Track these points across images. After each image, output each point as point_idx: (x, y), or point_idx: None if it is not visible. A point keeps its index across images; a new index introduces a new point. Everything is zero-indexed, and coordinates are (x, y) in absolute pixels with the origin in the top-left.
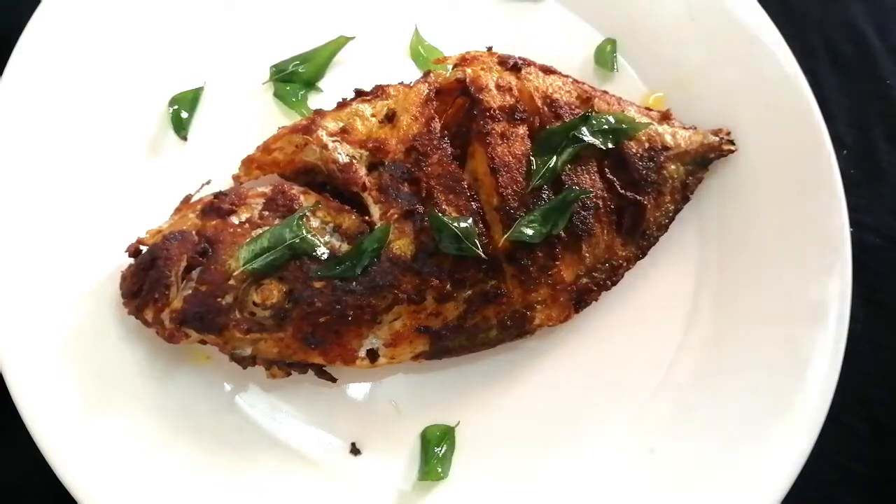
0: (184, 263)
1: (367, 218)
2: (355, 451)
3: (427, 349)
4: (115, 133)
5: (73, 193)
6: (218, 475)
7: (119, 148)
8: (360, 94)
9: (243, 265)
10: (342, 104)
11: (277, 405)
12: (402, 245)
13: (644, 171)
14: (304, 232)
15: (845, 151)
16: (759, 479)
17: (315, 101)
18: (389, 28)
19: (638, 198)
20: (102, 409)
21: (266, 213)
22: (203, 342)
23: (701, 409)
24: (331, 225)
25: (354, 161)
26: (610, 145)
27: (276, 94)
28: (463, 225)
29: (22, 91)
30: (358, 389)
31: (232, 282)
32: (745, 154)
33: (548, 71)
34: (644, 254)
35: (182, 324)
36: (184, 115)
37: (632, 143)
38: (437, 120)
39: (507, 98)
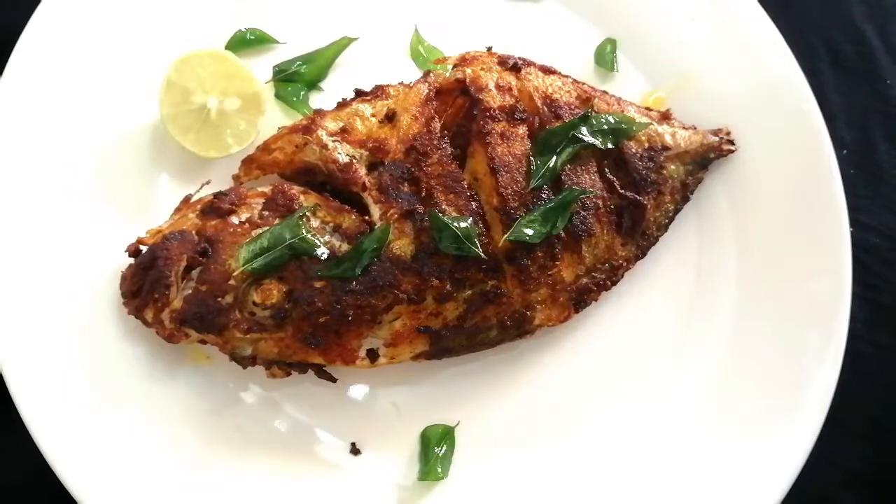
0: (184, 263)
1: (367, 218)
2: (355, 451)
3: (427, 349)
4: (115, 133)
5: (74, 193)
6: (218, 475)
7: (119, 147)
8: (360, 94)
9: (243, 265)
10: (342, 104)
11: (277, 405)
12: (402, 245)
13: (644, 171)
14: (304, 232)
15: (845, 151)
16: (759, 478)
17: (316, 101)
18: (389, 28)
19: (638, 198)
20: (102, 409)
21: (266, 213)
22: (203, 342)
23: (700, 409)
24: (331, 225)
25: (354, 161)
26: (610, 145)
27: (277, 95)
28: (463, 225)
29: (22, 90)
30: (358, 389)
31: (232, 282)
32: (745, 154)
33: (548, 71)
34: (644, 254)
35: (182, 324)
36: None
37: (632, 143)
38: (437, 120)
39: (507, 98)
